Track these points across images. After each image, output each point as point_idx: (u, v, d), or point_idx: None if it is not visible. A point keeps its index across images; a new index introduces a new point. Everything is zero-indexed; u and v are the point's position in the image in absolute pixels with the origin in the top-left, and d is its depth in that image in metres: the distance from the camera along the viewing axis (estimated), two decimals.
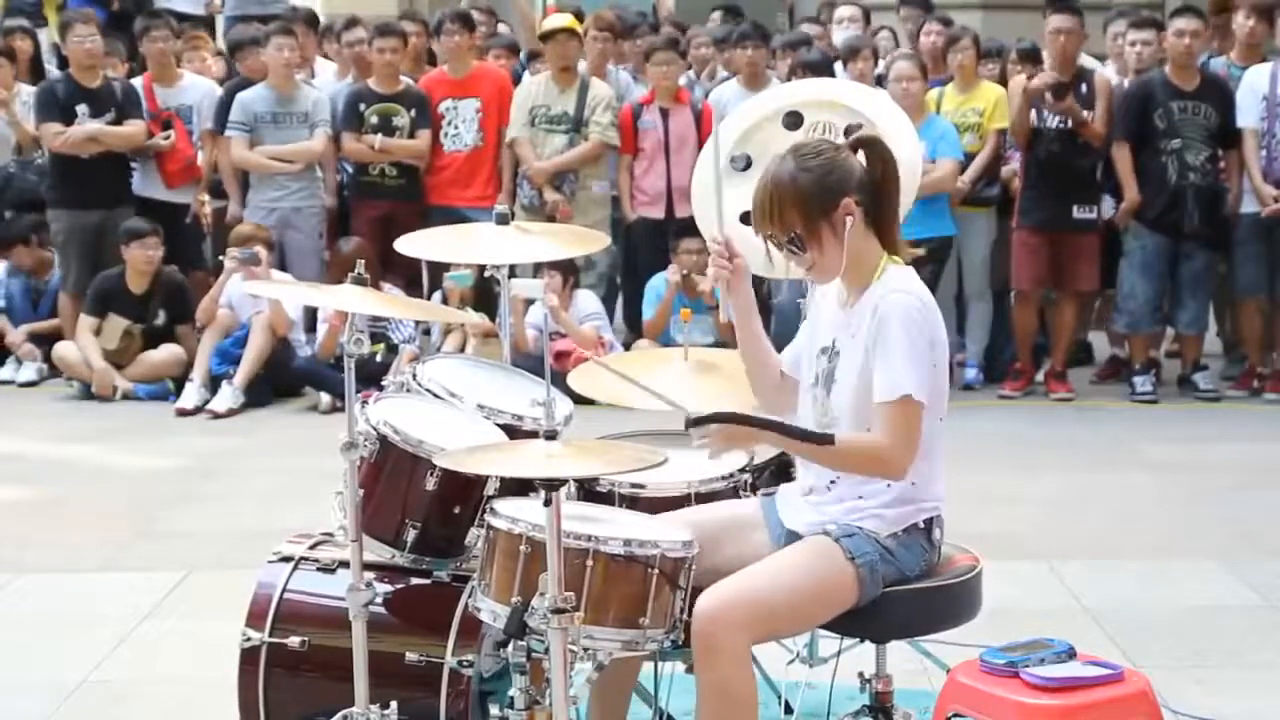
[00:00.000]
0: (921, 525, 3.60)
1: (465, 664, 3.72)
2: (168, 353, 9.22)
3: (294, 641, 3.83)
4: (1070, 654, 3.45)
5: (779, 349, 3.86)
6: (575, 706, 3.43)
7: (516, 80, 9.94)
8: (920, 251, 3.85)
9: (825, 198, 3.50)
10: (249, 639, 3.84)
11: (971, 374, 9.16)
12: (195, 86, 9.95)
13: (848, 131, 4.33)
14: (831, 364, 3.60)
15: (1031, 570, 5.81)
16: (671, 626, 3.46)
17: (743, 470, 3.98)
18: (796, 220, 3.50)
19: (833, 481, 3.61)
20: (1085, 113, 8.77)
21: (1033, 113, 8.77)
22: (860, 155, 3.58)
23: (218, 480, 7.43)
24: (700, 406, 3.51)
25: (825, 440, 3.44)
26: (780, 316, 8.81)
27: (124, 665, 5.03)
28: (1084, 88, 8.89)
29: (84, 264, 9.48)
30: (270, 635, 3.83)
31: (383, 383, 4.16)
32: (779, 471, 4.14)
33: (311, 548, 4.00)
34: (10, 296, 9.85)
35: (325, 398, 8.72)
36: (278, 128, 9.47)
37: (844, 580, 3.49)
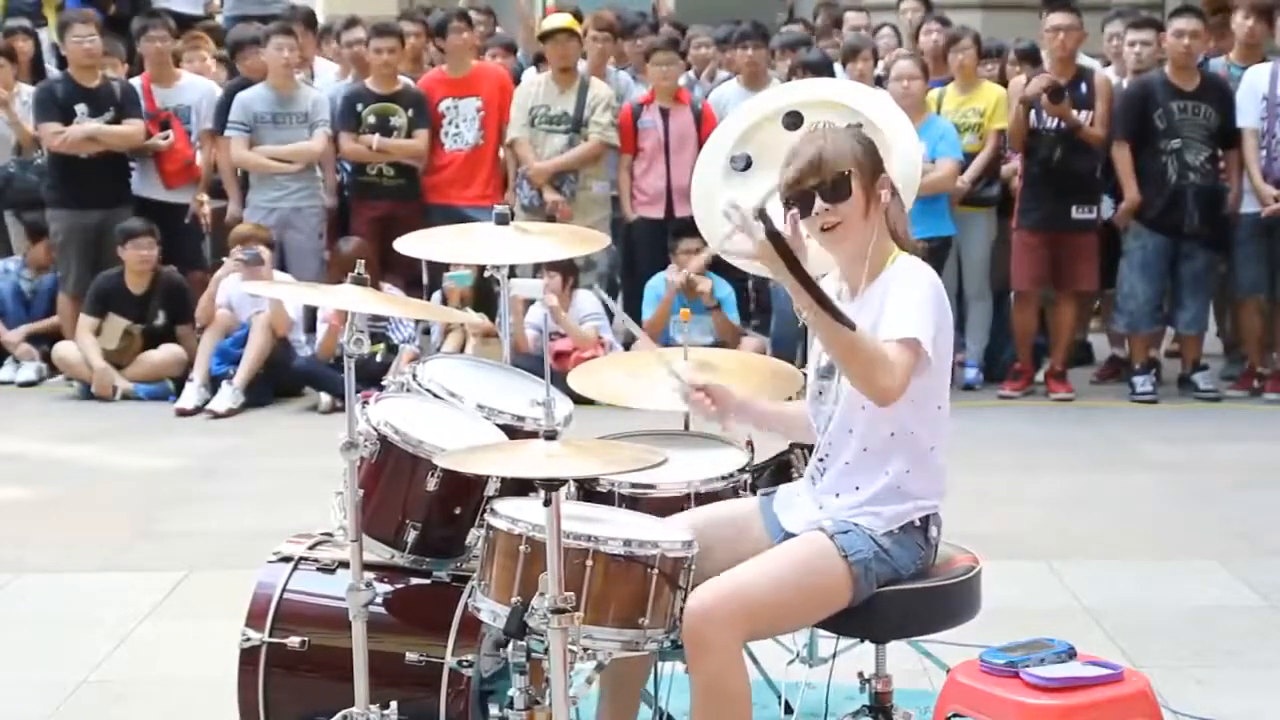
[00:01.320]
0: (918, 523, 3.60)
1: (465, 664, 3.72)
2: (168, 353, 9.22)
3: (294, 641, 3.83)
4: (1070, 654, 3.46)
5: (779, 349, 3.87)
6: (575, 706, 3.43)
7: (516, 80, 9.94)
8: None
9: (875, 163, 3.59)
10: (249, 639, 3.84)
11: (971, 374, 9.16)
12: (193, 87, 9.95)
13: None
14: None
15: (1031, 570, 5.81)
16: (671, 626, 3.45)
17: (743, 470, 3.98)
18: (852, 165, 3.53)
19: (821, 460, 3.63)
20: (1084, 113, 8.77)
21: (1031, 114, 8.77)
22: None
23: (218, 480, 7.43)
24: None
25: (847, 324, 3.35)
26: (781, 317, 8.83)
27: (124, 665, 5.03)
28: (1084, 87, 8.89)
29: (83, 264, 9.48)
30: (270, 635, 3.83)
31: (383, 383, 4.16)
32: (779, 471, 4.15)
33: (311, 548, 4.00)
34: (0, 300, 9.85)
35: (325, 398, 8.72)
36: (277, 128, 9.47)
37: (836, 577, 3.49)
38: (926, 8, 10.64)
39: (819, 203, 3.52)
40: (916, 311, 3.46)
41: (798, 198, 3.53)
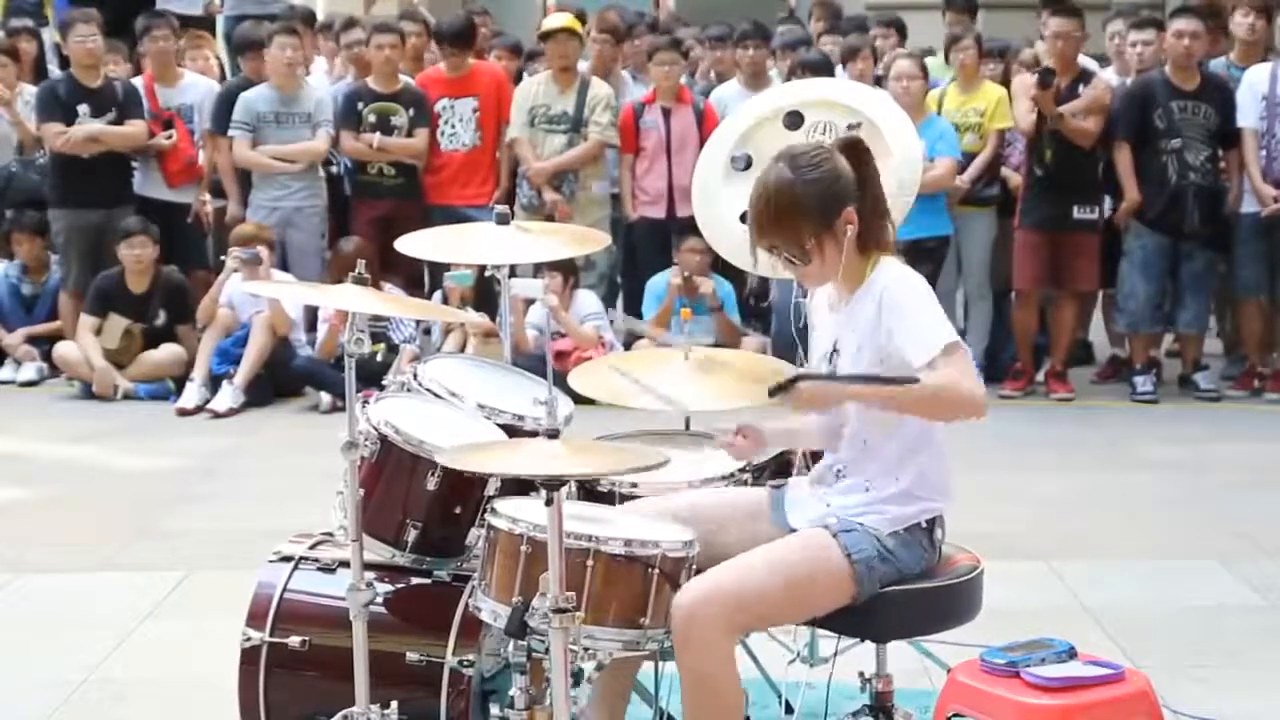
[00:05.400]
0: (924, 525, 3.61)
1: (465, 664, 3.72)
2: (168, 352, 9.22)
3: (294, 641, 3.82)
4: (1070, 654, 3.46)
5: (779, 348, 3.87)
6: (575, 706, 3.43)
7: (519, 82, 9.94)
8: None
9: (829, 209, 3.50)
10: (249, 639, 3.84)
11: None
12: (196, 86, 9.96)
13: (848, 131, 4.34)
14: (833, 365, 3.60)
15: (1031, 570, 5.81)
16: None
17: (743, 470, 3.98)
18: (804, 233, 3.49)
19: (840, 472, 3.62)
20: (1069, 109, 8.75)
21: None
22: (843, 159, 3.57)
23: (218, 480, 7.43)
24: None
25: (910, 381, 3.36)
26: (781, 317, 8.82)
27: (124, 665, 5.03)
28: (1082, 89, 8.88)
29: (85, 264, 9.48)
30: (270, 635, 3.83)
31: (383, 382, 4.16)
32: (780, 470, 4.14)
33: (311, 548, 4.00)
34: None
35: (325, 397, 8.72)
36: (280, 127, 9.46)
37: (838, 576, 3.49)
38: (971, 14, 10.43)
39: (785, 262, 3.55)
40: (928, 318, 3.44)
41: (774, 255, 3.56)
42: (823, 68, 9.13)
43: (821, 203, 3.48)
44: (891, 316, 3.46)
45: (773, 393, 3.43)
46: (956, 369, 3.38)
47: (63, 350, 9.29)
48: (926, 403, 3.40)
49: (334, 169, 9.73)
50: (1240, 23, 9.04)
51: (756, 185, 3.56)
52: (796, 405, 3.49)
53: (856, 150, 3.58)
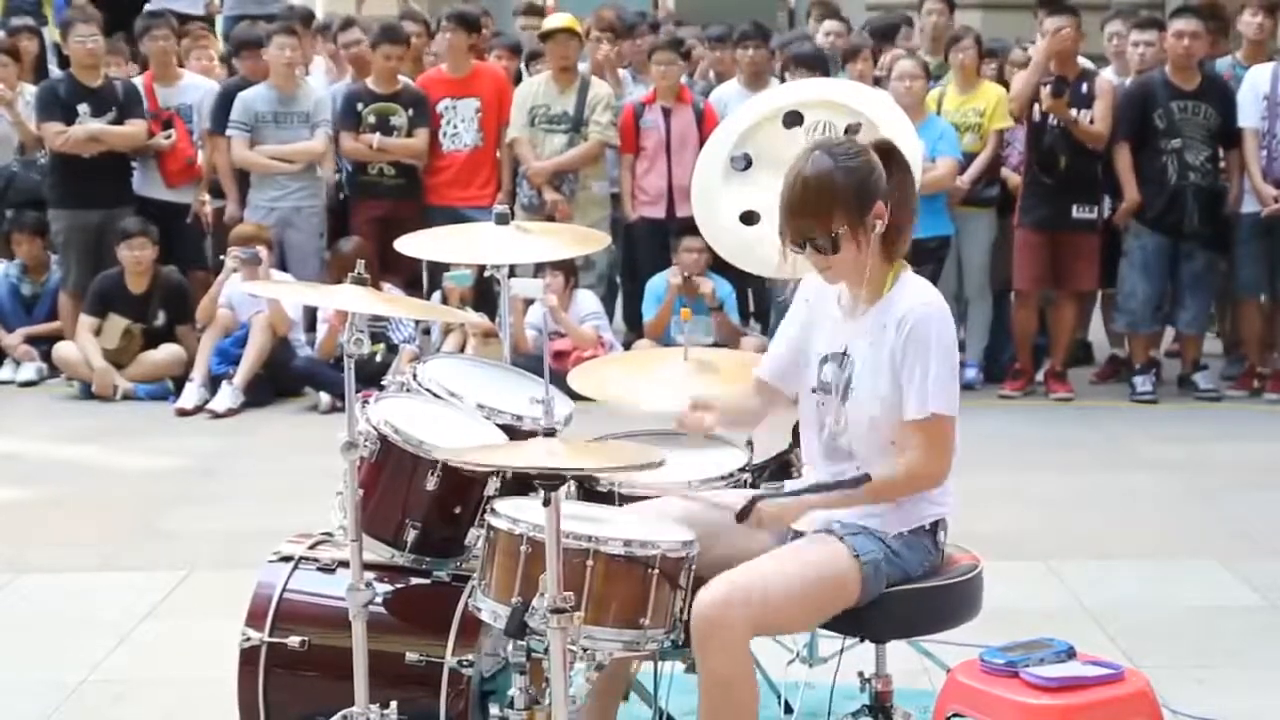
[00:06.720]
0: (928, 527, 3.62)
1: (465, 664, 3.72)
2: (168, 352, 9.22)
3: (294, 641, 3.83)
4: (1070, 654, 3.46)
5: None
6: (575, 706, 3.43)
7: (519, 82, 9.94)
8: None
9: (864, 199, 3.50)
10: (249, 639, 3.84)
11: (971, 374, 9.14)
12: (195, 86, 9.95)
13: (848, 131, 4.34)
14: (845, 371, 3.60)
15: (1031, 570, 5.81)
16: (672, 626, 3.46)
17: (742, 470, 3.98)
18: (840, 220, 3.49)
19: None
20: (1083, 112, 8.75)
21: (1035, 109, 8.76)
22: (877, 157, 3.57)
23: (218, 480, 7.43)
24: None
25: (862, 480, 3.49)
26: (781, 316, 8.79)
27: (124, 665, 5.03)
28: (1084, 88, 8.88)
29: (84, 263, 9.48)
30: (270, 635, 3.83)
31: (383, 383, 4.16)
32: (779, 471, 4.14)
33: (311, 548, 4.00)
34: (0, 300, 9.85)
35: (325, 398, 8.72)
36: (279, 127, 9.46)
37: (847, 578, 3.50)
38: (950, 9, 10.46)
39: (811, 251, 3.54)
40: (937, 377, 3.47)
41: (791, 241, 3.55)
42: (816, 62, 9.10)
43: (857, 191, 3.49)
44: (910, 354, 3.49)
45: (739, 518, 3.51)
46: (928, 443, 3.49)
47: (62, 350, 9.28)
48: (882, 494, 3.53)
49: (339, 177, 9.72)
50: (1248, 22, 9.05)
51: (790, 173, 3.54)
52: (760, 526, 3.56)
53: (891, 154, 3.59)
